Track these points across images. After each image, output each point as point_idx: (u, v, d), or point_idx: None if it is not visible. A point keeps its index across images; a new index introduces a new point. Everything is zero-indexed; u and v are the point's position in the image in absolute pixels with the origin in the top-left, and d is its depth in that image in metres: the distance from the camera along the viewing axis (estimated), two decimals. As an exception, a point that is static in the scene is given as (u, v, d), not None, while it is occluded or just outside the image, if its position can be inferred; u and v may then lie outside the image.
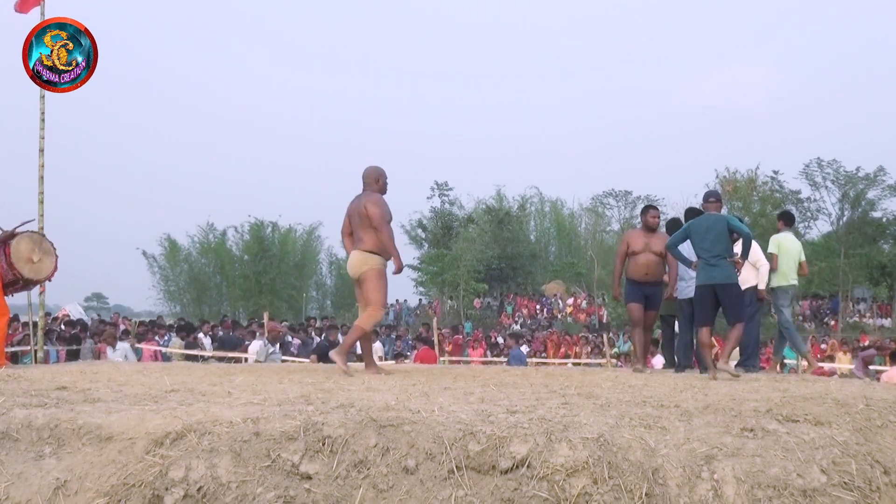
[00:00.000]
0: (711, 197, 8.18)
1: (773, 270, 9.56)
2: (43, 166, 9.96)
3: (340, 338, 17.52)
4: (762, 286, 9.30)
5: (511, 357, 17.08)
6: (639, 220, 10.42)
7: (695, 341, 9.00)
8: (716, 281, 7.61)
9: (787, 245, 9.77)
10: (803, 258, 9.85)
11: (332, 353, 7.42)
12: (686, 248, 8.14)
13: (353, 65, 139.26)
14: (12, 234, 8.38)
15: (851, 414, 4.46)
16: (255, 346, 13.99)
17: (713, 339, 8.97)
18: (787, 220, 10.39)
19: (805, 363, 10.42)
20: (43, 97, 9.87)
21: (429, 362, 14.21)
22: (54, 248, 8.77)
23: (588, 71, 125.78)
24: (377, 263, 7.39)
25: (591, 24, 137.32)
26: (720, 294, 7.65)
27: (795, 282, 9.81)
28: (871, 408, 4.64)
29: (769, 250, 9.75)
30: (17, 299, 9.18)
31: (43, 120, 9.95)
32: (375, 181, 7.56)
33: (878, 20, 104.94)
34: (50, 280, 8.88)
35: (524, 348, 22.78)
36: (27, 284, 8.74)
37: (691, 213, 9.39)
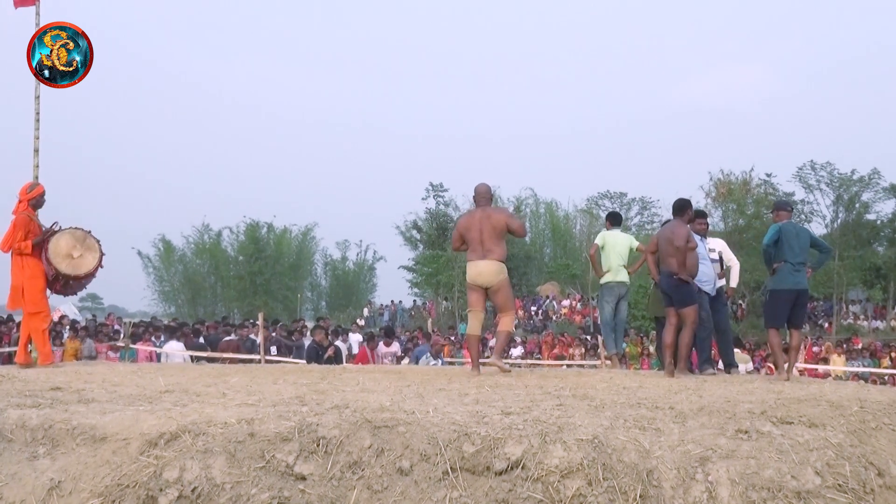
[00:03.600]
0: (787, 207, 8.40)
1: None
2: (38, 166, 9.94)
3: (340, 341, 17.51)
4: (733, 284, 9.40)
5: (414, 355, 16.31)
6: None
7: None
8: (801, 287, 7.86)
9: (611, 243, 10.09)
10: (636, 248, 10.23)
11: (494, 360, 8.09)
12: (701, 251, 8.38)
13: (350, 65, 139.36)
14: (52, 232, 8.49)
15: (846, 416, 4.47)
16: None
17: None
18: (613, 220, 10.65)
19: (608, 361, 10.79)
20: (38, 98, 9.87)
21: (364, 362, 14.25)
22: (99, 245, 8.90)
23: (583, 72, 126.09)
24: (506, 272, 8.22)
25: (587, 26, 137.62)
26: (800, 300, 7.90)
27: (624, 279, 10.08)
28: (865, 410, 4.65)
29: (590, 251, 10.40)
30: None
31: (38, 121, 9.94)
32: (491, 198, 8.58)
33: (872, 24, 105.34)
34: (94, 276, 8.96)
35: (519, 350, 22.74)
36: (69, 282, 8.83)
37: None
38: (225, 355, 14.21)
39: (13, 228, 8.35)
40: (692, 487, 3.68)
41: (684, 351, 8.26)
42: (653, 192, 61.97)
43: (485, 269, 7.99)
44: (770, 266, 8.14)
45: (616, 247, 10.05)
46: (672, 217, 8.57)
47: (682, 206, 8.52)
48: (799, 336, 8.27)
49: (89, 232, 8.89)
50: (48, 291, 8.71)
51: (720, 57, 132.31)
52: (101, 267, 8.91)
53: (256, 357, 13.51)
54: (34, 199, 8.57)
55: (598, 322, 10.65)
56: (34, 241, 8.36)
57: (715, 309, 8.83)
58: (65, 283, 8.80)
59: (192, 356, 14.51)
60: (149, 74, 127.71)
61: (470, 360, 8.27)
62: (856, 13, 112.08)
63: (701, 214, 9.52)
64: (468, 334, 8.41)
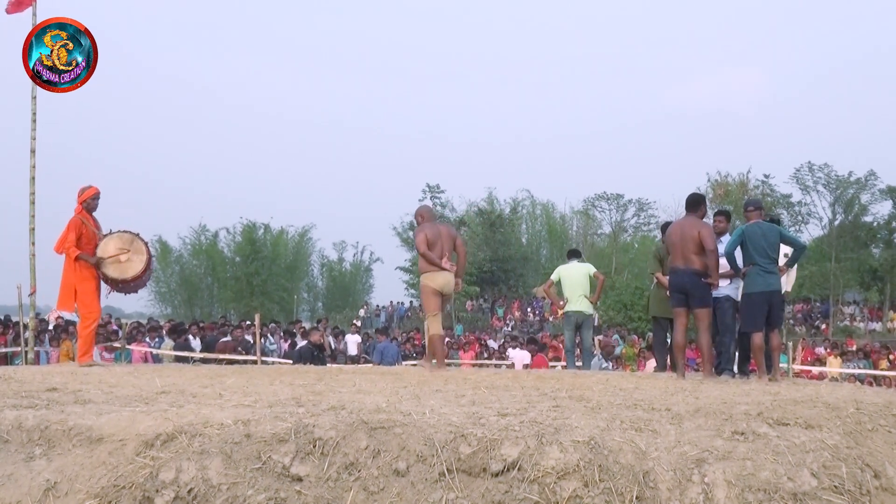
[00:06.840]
0: (751, 206, 8.21)
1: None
2: (34, 167, 9.93)
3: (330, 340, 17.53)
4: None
5: (376, 352, 16.61)
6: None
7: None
8: (774, 288, 7.77)
9: (566, 275, 11.15)
10: (593, 274, 11.27)
11: (424, 362, 9.18)
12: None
13: (346, 66, 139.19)
14: (99, 262, 8.68)
15: (842, 417, 4.47)
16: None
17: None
18: (570, 255, 11.81)
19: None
20: (35, 98, 9.83)
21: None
22: (147, 247, 9.00)
23: (580, 74, 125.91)
24: None
25: (583, 28, 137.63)
26: (773, 301, 7.80)
27: (581, 308, 11.07)
28: (861, 411, 4.66)
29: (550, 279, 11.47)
30: (9, 300, 9.28)
31: (34, 121, 9.92)
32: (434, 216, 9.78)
33: (870, 27, 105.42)
34: (142, 278, 9.07)
35: (519, 351, 22.68)
36: (118, 284, 8.92)
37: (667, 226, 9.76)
38: (221, 356, 14.22)
39: (66, 230, 8.54)
40: (688, 489, 3.68)
41: (707, 352, 8.10)
42: (650, 193, 61.96)
43: (451, 280, 9.08)
44: (738, 270, 8.04)
45: (571, 278, 11.10)
46: (686, 213, 8.38)
47: (696, 202, 8.33)
48: (778, 337, 8.14)
49: (137, 234, 8.94)
50: (107, 290, 8.92)
51: (717, 60, 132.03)
52: (150, 269, 8.98)
53: (252, 358, 13.52)
54: (87, 202, 8.69)
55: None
56: (81, 256, 8.51)
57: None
58: (116, 286, 8.89)
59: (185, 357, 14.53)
60: (145, 74, 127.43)
61: (438, 359, 9.00)
62: (853, 17, 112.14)
63: (722, 213, 9.46)
64: (437, 335, 9.09)
